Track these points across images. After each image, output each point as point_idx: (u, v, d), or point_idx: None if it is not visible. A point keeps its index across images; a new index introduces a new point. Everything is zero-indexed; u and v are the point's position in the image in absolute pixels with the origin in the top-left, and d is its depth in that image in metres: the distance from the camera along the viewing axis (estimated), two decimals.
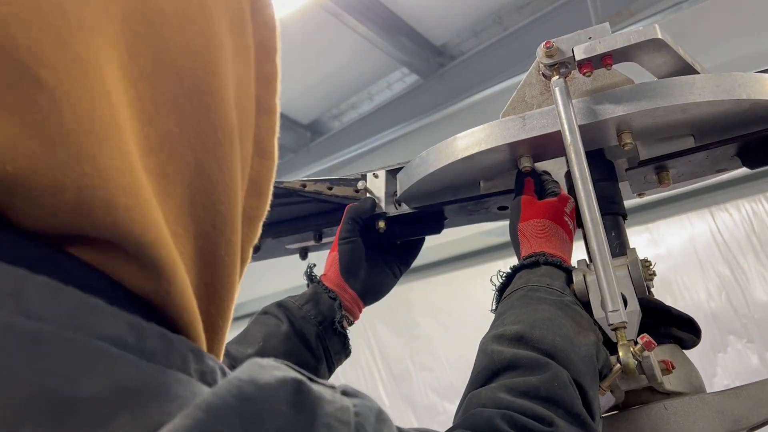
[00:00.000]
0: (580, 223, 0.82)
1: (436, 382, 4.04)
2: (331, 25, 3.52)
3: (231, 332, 0.34)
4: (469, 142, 0.83)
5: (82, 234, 0.23)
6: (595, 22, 3.10)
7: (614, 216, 0.83)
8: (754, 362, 3.07)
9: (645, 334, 0.66)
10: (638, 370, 0.67)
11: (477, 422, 0.52)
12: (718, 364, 3.12)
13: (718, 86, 0.74)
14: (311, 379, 0.24)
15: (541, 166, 0.90)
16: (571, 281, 0.73)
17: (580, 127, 0.74)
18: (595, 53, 0.75)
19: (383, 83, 4.35)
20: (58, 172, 0.21)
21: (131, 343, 0.22)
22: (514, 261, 0.79)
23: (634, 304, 0.70)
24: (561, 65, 0.77)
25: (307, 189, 1.02)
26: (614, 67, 0.78)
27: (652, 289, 0.77)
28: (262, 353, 0.79)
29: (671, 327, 0.78)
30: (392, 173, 1.01)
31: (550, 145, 0.81)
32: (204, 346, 0.28)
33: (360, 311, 0.92)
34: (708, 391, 0.74)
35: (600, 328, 0.69)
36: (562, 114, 0.74)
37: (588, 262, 0.77)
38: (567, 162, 0.78)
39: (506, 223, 0.85)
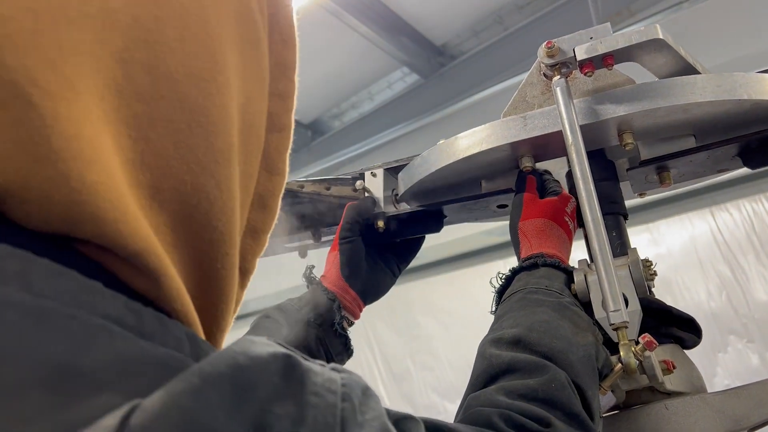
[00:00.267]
0: (581, 223, 0.82)
1: (437, 381, 4.05)
2: (332, 24, 3.52)
3: (232, 332, 0.35)
4: (471, 141, 0.83)
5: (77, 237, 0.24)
6: (596, 22, 3.10)
7: (615, 216, 0.83)
8: (755, 362, 3.07)
9: (646, 333, 0.66)
10: (639, 370, 0.67)
11: (475, 421, 0.52)
12: (719, 364, 3.12)
13: (720, 86, 0.74)
14: (302, 356, 0.25)
15: (542, 166, 0.90)
16: (571, 282, 0.73)
17: (581, 126, 0.74)
18: (596, 53, 0.75)
19: (384, 83, 4.35)
20: (47, 187, 0.22)
21: (129, 322, 0.23)
22: (514, 261, 0.79)
23: (635, 304, 0.70)
24: (562, 65, 0.77)
25: (305, 190, 1.02)
26: (615, 67, 0.78)
27: (653, 289, 0.77)
28: None
29: (672, 327, 0.78)
30: (390, 171, 1.01)
31: (551, 145, 0.81)
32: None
33: (360, 311, 0.92)
34: (708, 391, 0.74)
35: (600, 328, 0.69)
36: (564, 114, 0.74)
37: (589, 262, 0.77)
38: (568, 162, 0.78)
39: (506, 223, 0.85)
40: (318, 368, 0.24)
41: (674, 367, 0.71)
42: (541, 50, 0.78)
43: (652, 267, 0.74)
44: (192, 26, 0.28)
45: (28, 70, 0.22)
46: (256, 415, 0.21)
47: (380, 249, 0.97)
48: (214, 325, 0.31)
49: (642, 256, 0.75)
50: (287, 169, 0.37)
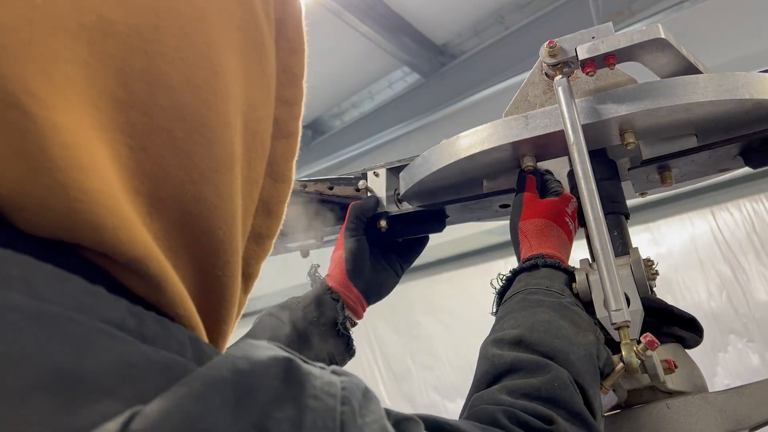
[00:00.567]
0: (582, 223, 0.82)
1: (437, 381, 4.05)
2: (333, 24, 3.51)
3: (234, 330, 0.35)
4: (472, 141, 0.83)
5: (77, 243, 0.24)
6: (596, 22, 3.10)
7: (617, 215, 0.83)
8: (755, 362, 3.07)
9: (648, 333, 0.66)
10: (641, 369, 0.67)
11: (479, 418, 0.52)
12: (719, 364, 3.12)
13: (721, 86, 0.74)
14: (302, 359, 0.25)
15: (543, 165, 0.90)
16: (572, 282, 0.73)
17: (583, 126, 0.74)
18: (598, 53, 0.75)
19: (384, 82, 4.35)
20: (45, 196, 0.22)
21: (131, 327, 0.23)
22: (514, 260, 0.79)
23: (636, 304, 0.70)
24: (564, 65, 0.77)
25: (307, 190, 1.02)
26: (617, 66, 0.78)
27: (654, 289, 0.77)
28: None
29: (673, 326, 0.78)
30: (393, 171, 1.01)
31: (552, 144, 0.81)
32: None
33: (364, 311, 0.92)
34: (710, 391, 0.74)
35: (602, 327, 0.69)
36: (565, 113, 0.74)
37: (591, 262, 0.77)
38: (570, 161, 0.78)
39: (507, 222, 0.85)
40: (318, 371, 0.25)
41: (676, 367, 0.71)
42: (543, 50, 0.78)
43: (653, 266, 0.74)
44: (191, 35, 0.28)
45: (23, 80, 0.22)
46: (256, 419, 0.21)
47: (383, 248, 0.97)
48: (216, 329, 0.31)
49: (643, 256, 0.75)
50: (293, 175, 0.37)
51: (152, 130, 0.26)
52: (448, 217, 1.03)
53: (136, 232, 0.25)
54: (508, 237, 0.83)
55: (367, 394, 0.26)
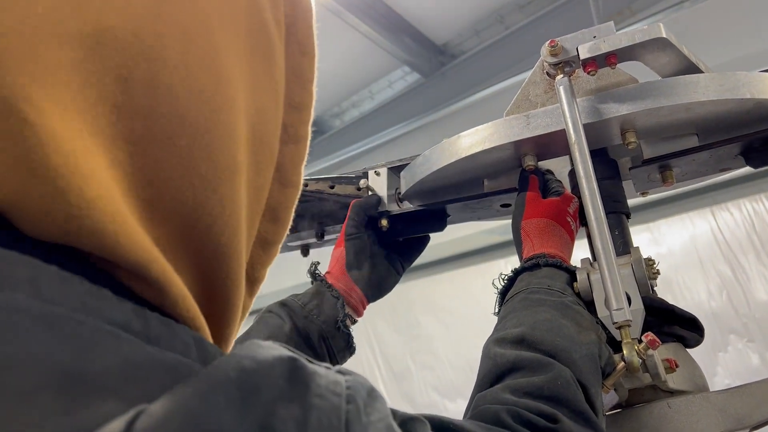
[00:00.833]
0: (583, 222, 0.82)
1: (437, 380, 4.05)
2: (333, 23, 3.51)
3: None
4: (473, 140, 0.83)
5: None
6: (597, 21, 3.10)
7: (618, 215, 0.83)
8: (755, 361, 3.07)
9: (649, 332, 0.66)
10: (642, 369, 0.67)
11: (483, 418, 0.52)
12: (719, 364, 3.12)
13: (722, 85, 0.74)
14: (307, 359, 0.25)
15: (544, 164, 0.90)
16: (573, 281, 0.73)
17: (584, 125, 0.74)
18: (599, 52, 0.75)
19: (384, 82, 4.35)
20: (46, 203, 0.22)
21: (136, 328, 0.23)
22: (515, 260, 0.80)
23: (638, 303, 0.70)
24: (565, 64, 0.77)
25: (308, 188, 1.02)
26: (618, 66, 0.78)
27: (655, 288, 0.77)
28: None
29: (674, 326, 0.78)
30: (394, 170, 1.01)
31: (554, 143, 0.81)
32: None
33: (364, 308, 0.92)
34: (711, 391, 0.74)
35: (603, 326, 0.69)
36: (567, 113, 0.74)
37: (592, 261, 0.77)
38: (571, 161, 0.78)
39: (508, 222, 0.85)
40: (323, 371, 0.25)
41: (677, 366, 0.71)
42: (545, 49, 0.78)
43: (654, 266, 0.74)
44: (195, 42, 0.28)
45: (22, 88, 0.22)
46: (261, 418, 0.21)
47: (384, 247, 0.97)
48: (220, 332, 0.31)
49: (644, 255, 0.75)
50: (302, 180, 0.37)
51: (154, 138, 0.26)
52: (449, 216, 1.03)
53: (137, 236, 0.25)
54: (508, 236, 0.83)
55: (372, 394, 0.26)
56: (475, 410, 0.56)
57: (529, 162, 0.83)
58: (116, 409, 0.20)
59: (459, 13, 3.75)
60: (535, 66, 0.88)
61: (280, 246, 0.36)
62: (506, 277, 0.77)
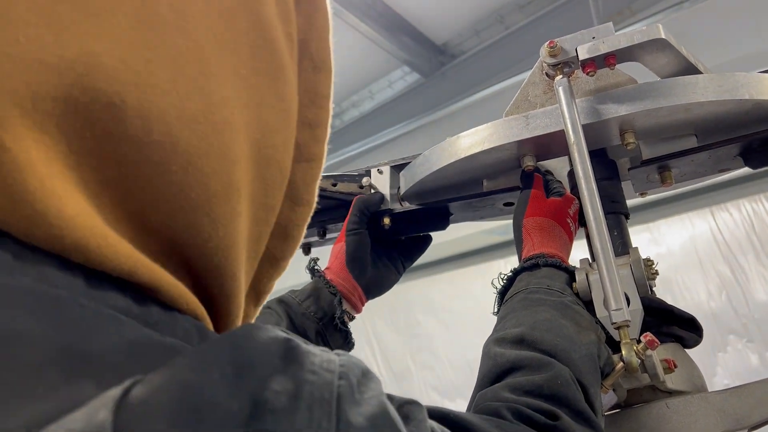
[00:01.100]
0: (582, 223, 0.82)
1: (437, 380, 4.05)
2: (333, 23, 3.51)
3: None
4: (473, 140, 0.84)
5: None
6: (597, 21, 3.10)
7: (617, 215, 0.83)
8: (754, 362, 3.07)
9: (648, 332, 0.66)
10: (641, 369, 0.67)
11: (484, 413, 0.52)
12: (718, 364, 3.13)
13: (721, 86, 0.74)
14: (302, 341, 0.26)
15: (544, 165, 0.90)
16: (572, 281, 0.73)
17: (583, 126, 0.74)
18: (598, 53, 0.75)
19: (384, 82, 4.35)
20: (27, 226, 0.23)
21: (137, 313, 0.25)
22: (514, 260, 0.80)
23: (636, 303, 0.70)
24: (564, 65, 0.77)
25: None
26: (617, 66, 0.78)
27: (654, 288, 0.77)
28: None
29: (673, 326, 0.78)
30: (396, 169, 1.01)
31: (553, 144, 0.81)
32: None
33: (362, 305, 0.92)
34: (709, 391, 0.74)
35: (602, 327, 0.69)
36: (566, 113, 0.74)
37: (591, 261, 0.78)
38: (570, 161, 0.78)
39: (507, 222, 0.85)
40: (317, 350, 0.25)
41: (675, 366, 0.71)
42: (544, 50, 0.78)
43: (653, 266, 0.74)
44: (186, 67, 0.28)
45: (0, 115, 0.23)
46: (254, 392, 0.22)
47: (386, 245, 0.97)
48: None
49: (643, 256, 0.75)
50: (315, 198, 0.36)
51: (146, 162, 0.26)
52: (451, 215, 1.03)
53: (121, 246, 0.25)
54: (508, 237, 0.83)
55: (367, 374, 0.27)
56: (475, 408, 0.56)
57: (528, 162, 0.83)
58: (115, 383, 0.21)
59: (459, 13, 3.75)
60: (534, 67, 0.88)
61: (290, 260, 0.36)
62: (505, 277, 0.77)
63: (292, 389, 0.22)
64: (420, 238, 1.03)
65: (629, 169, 0.91)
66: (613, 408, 0.73)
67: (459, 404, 3.85)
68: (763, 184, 3.17)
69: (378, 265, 0.94)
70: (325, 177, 1.02)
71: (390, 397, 0.28)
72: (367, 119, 4.55)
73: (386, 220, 0.97)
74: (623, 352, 0.66)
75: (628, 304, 0.69)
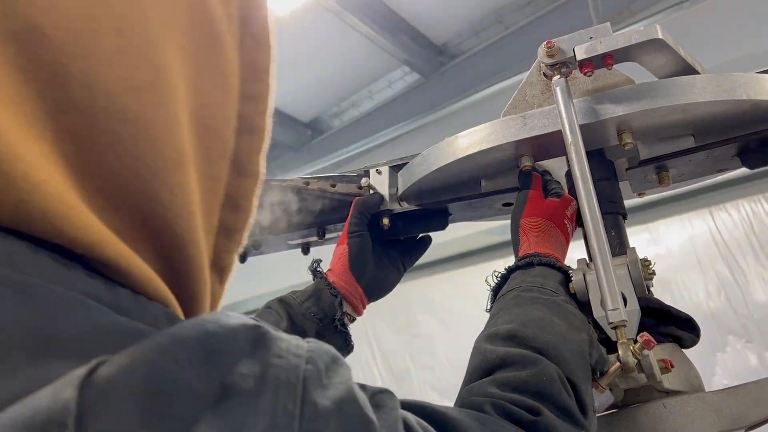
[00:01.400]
0: (580, 223, 0.82)
1: (437, 380, 4.05)
2: (333, 23, 3.52)
3: None
4: (470, 141, 0.84)
5: None
6: (596, 22, 3.10)
7: (614, 215, 0.83)
8: (753, 362, 3.07)
9: (644, 332, 0.67)
10: (638, 369, 0.67)
11: (467, 408, 0.53)
12: (717, 364, 3.13)
13: (719, 86, 0.74)
14: (272, 328, 0.26)
15: (542, 165, 0.90)
16: (566, 281, 0.73)
17: (580, 126, 0.74)
18: (596, 53, 0.75)
19: (384, 82, 4.35)
20: None
21: (106, 299, 0.25)
22: (513, 260, 0.80)
23: (633, 303, 0.70)
24: (562, 65, 0.78)
25: (310, 187, 1.02)
26: (615, 67, 0.78)
27: (651, 289, 0.77)
28: None
29: (671, 326, 0.78)
30: (395, 169, 1.01)
31: (551, 144, 0.82)
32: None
33: (364, 307, 0.92)
34: (707, 391, 0.74)
35: (597, 326, 0.70)
36: (563, 113, 0.74)
37: (588, 262, 0.78)
38: (568, 161, 0.78)
39: (507, 222, 0.85)
40: (286, 336, 0.26)
41: (672, 366, 0.71)
42: (541, 50, 0.78)
43: (650, 266, 0.75)
44: (131, 38, 0.28)
45: None
46: (221, 374, 0.22)
47: (386, 246, 0.98)
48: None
49: (641, 256, 0.75)
50: (262, 169, 0.37)
51: (96, 133, 0.27)
52: (450, 215, 1.03)
53: (88, 219, 0.26)
54: (507, 237, 0.83)
55: (336, 360, 0.27)
56: (460, 402, 0.56)
57: (526, 163, 0.83)
58: (83, 364, 0.21)
59: (458, 13, 3.75)
60: (532, 67, 0.88)
61: (246, 234, 0.37)
62: (499, 275, 0.78)
63: (258, 372, 0.23)
64: (420, 240, 1.03)
65: (627, 170, 0.91)
66: (610, 408, 0.73)
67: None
68: (762, 185, 3.17)
69: (380, 266, 0.94)
70: (324, 178, 1.03)
71: (362, 386, 0.29)
72: (366, 119, 4.55)
73: (385, 221, 0.97)
74: (620, 352, 0.66)
75: (626, 304, 0.69)
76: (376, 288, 0.94)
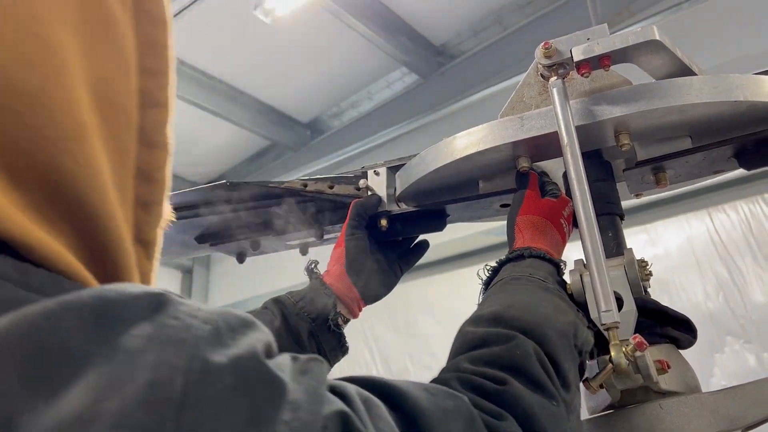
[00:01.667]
0: (576, 224, 0.82)
1: None
2: (332, 24, 3.52)
3: None
4: (468, 141, 0.84)
5: None
6: (595, 23, 3.10)
7: (611, 216, 0.83)
8: (751, 363, 3.08)
9: (638, 334, 0.66)
10: (633, 370, 0.67)
11: (436, 383, 0.52)
12: (716, 365, 3.13)
13: (716, 88, 0.74)
14: (179, 297, 0.27)
15: (539, 166, 0.90)
16: (558, 273, 0.73)
17: (578, 127, 0.74)
18: (593, 54, 0.75)
19: (383, 82, 4.35)
20: None
21: (15, 278, 0.25)
22: None
23: (630, 304, 0.70)
24: (559, 66, 0.78)
25: (308, 189, 1.02)
26: (612, 68, 0.78)
27: (648, 290, 0.77)
28: None
29: (667, 327, 0.78)
30: (393, 170, 1.01)
31: (548, 145, 0.82)
32: None
33: (360, 309, 0.92)
34: (705, 391, 0.74)
35: (591, 324, 0.69)
36: (560, 115, 0.74)
37: (585, 263, 0.78)
38: (564, 162, 0.78)
39: (505, 223, 0.85)
40: (190, 302, 0.27)
41: (669, 367, 0.71)
42: (539, 51, 0.78)
43: (647, 267, 0.75)
44: (15, 15, 0.29)
45: None
46: (112, 336, 0.23)
47: (383, 248, 0.97)
48: None
49: (638, 257, 0.75)
50: (171, 141, 0.38)
51: None
52: (448, 216, 1.03)
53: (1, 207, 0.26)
54: (506, 237, 0.83)
55: (249, 325, 0.27)
56: (433, 380, 0.56)
57: (523, 163, 0.83)
58: None
59: (457, 13, 3.75)
60: (529, 68, 0.89)
61: (163, 206, 0.37)
62: (490, 268, 0.77)
63: (149, 333, 0.24)
64: (417, 245, 1.03)
65: (624, 170, 0.91)
66: (606, 408, 0.73)
67: None
68: (760, 186, 3.17)
69: (377, 268, 0.94)
70: (322, 179, 1.03)
71: (294, 357, 0.30)
72: (365, 120, 4.55)
73: (383, 222, 0.97)
74: (612, 354, 0.66)
75: (621, 305, 0.69)
76: (374, 290, 0.94)
